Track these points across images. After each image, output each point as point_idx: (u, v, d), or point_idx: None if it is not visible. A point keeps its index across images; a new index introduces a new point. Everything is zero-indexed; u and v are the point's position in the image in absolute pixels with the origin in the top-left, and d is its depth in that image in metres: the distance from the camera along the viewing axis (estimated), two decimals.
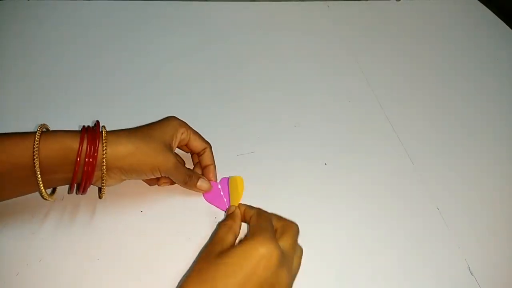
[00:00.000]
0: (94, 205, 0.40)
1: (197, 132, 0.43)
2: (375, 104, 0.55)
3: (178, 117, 0.42)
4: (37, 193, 0.40)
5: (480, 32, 0.71)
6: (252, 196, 0.42)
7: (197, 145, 0.42)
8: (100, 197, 0.39)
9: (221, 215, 0.40)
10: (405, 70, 0.61)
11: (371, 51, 0.64)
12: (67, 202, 0.40)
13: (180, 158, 0.42)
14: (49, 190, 0.38)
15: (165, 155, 0.37)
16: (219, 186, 0.42)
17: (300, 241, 0.39)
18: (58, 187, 0.39)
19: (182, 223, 0.40)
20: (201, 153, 0.43)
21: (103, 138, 0.36)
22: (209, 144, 0.43)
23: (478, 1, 0.77)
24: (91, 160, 0.35)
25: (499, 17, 0.74)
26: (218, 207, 0.41)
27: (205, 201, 0.41)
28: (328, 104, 0.54)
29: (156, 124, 0.40)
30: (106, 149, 0.35)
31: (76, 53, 0.58)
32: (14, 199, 0.39)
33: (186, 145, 0.42)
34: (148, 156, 0.37)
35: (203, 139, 0.43)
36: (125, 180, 0.39)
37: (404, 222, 0.42)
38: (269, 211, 0.41)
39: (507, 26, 0.72)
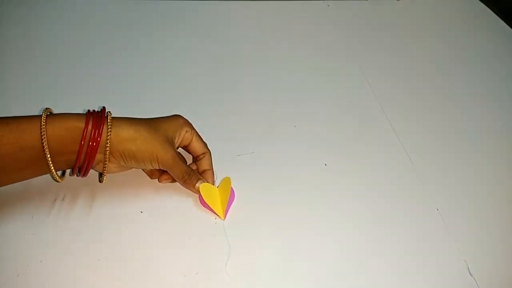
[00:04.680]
0: (94, 206, 0.40)
1: (200, 137, 0.43)
2: (375, 104, 0.55)
3: (184, 116, 0.42)
4: (36, 194, 0.40)
5: (480, 32, 0.71)
6: (251, 196, 0.42)
7: (198, 147, 0.42)
8: (100, 181, 0.40)
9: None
10: (405, 70, 0.61)
11: (371, 51, 0.64)
12: (67, 202, 0.40)
13: (182, 156, 0.42)
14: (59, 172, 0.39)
15: (164, 147, 0.38)
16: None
17: (299, 240, 0.39)
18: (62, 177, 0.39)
19: (182, 223, 0.40)
20: (201, 157, 0.43)
21: (108, 122, 0.36)
22: (209, 150, 0.43)
23: (478, 1, 0.77)
24: (95, 137, 0.36)
25: (499, 16, 0.73)
26: (214, 212, 0.40)
27: (203, 206, 0.41)
28: (328, 104, 0.54)
29: (162, 118, 0.41)
30: (110, 132, 0.36)
31: (75, 52, 0.58)
32: (13, 199, 0.39)
33: (188, 146, 0.43)
34: (148, 144, 0.37)
35: (205, 143, 0.43)
36: (124, 168, 0.40)
37: (404, 223, 0.42)
38: (268, 211, 0.41)
39: (507, 26, 0.72)
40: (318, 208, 0.42)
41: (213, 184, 0.42)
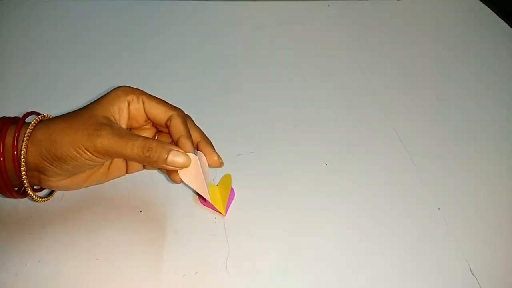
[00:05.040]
0: (93, 205, 0.40)
1: (158, 98, 0.34)
2: (376, 104, 0.55)
3: (129, 85, 0.34)
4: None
5: (480, 32, 0.71)
6: (251, 196, 0.42)
7: (158, 113, 0.33)
8: (34, 199, 0.34)
9: (221, 215, 0.40)
10: (406, 70, 0.61)
11: (371, 51, 0.64)
12: (66, 202, 0.40)
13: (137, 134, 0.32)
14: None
15: (90, 132, 0.30)
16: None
17: (299, 240, 0.39)
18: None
19: (181, 222, 0.39)
20: (168, 123, 0.33)
21: (28, 130, 0.30)
22: (179, 111, 0.34)
23: (478, 1, 0.77)
24: None
25: (499, 16, 0.73)
26: (214, 208, 0.40)
27: (202, 205, 0.41)
28: (328, 104, 0.54)
29: (96, 99, 0.33)
30: (25, 140, 0.30)
31: (75, 53, 0.58)
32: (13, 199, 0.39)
33: (148, 118, 0.34)
34: (65, 134, 0.30)
35: (169, 104, 0.34)
36: (70, 179, 0.33)
37: (405, 222, 0.42)
38: (268, 211, 0.41)
39: (508, 26, 0.71)
40: (318, 207, 0.42)
41: (193, 150, 0.34)
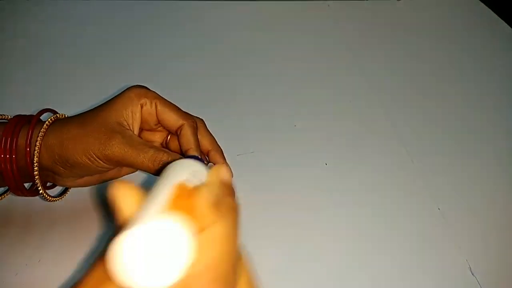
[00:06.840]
0: (93, 205, 0.40)
1: (171, 104, 0.33)
2: (376, 104, 0.55)
3: (143, 85, 0.33)
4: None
5: (481, 32, 0.71)
6: (251, 196, 0.42)
7: (169, 120, 0.32)
8: (46, 199, 0.34)
9: None
10: (406, 70, 0.61)
11: (371, 51, 0.64)
12: (66, 201, 0.40)
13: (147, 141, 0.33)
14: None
15: (101, 140, 0.29)
16: None
17: (300, 240, 0.39)
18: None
19: None
20: (178, 132, 0.33)
21: (42, 129, 0.30)
22: (190, 121, 0.33)
23: (478, 1, 0.77)
24: (7, 148, 0.30)
25: (499, 16, 0.73)
26: None
27: None
28: (328, 104, 0.54)
29: (108, 100, 0.32)
30: (39, 140, 0.30)
31: (75, 53, 0.58)
32: (12, 198, 0.39)
33: (160, 122, 0.33)
34: (78, 141, 0.30)
35: (182, 112, 0.33)
36: (84, 179, 0.34)
37: (405, 222, 0.42)
38: (268, 211, 0.41)
39: (508, 26, 0.71)
40: (318, 207, 0.42)
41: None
